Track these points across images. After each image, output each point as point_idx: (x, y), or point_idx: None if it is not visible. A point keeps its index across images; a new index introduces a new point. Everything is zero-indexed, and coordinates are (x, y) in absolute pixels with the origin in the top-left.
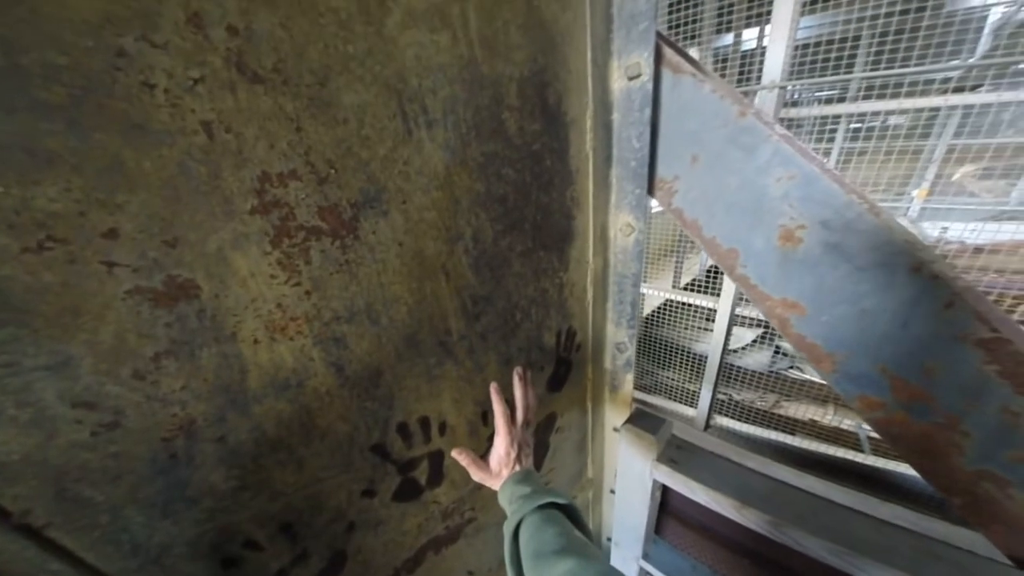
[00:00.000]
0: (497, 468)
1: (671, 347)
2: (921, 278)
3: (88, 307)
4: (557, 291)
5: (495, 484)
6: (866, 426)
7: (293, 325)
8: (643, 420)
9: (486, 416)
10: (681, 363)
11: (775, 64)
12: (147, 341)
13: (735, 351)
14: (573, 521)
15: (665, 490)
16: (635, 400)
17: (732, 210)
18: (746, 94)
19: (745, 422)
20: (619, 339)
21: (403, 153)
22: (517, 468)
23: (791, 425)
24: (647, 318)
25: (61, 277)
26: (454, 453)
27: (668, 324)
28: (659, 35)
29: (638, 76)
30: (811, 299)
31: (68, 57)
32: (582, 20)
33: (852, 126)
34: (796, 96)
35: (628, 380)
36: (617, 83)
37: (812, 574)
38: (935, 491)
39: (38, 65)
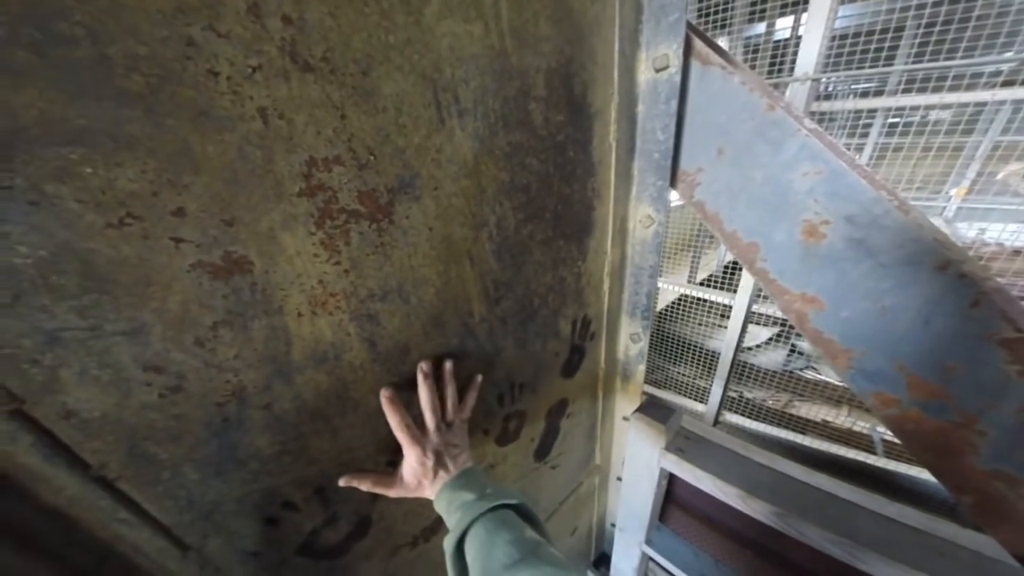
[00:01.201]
0: (415, 481)
1: (683, 343)
2: (947, 276)
3: (158, 278)
4: (575, 280)
5: (425, 494)
6: (881, 428)
7: (332, 301)
8: (653, 409)
9: (502, 398)
10: (693, 359)
11: (810, 55)
12: (207, 311)
13: (749, 349)
14: (526, 519)
15: (671, 480)
16: (647, 394)
17: (755, 204)
18: (776, 86)
19: (755, 420)
20: (633, 330)
21: (436, 141)
22: (443, 474)
23: (802, 425)
24: (660, 313)
25: (137, 251)
26: (342, 482)
27: (682, 320)
28: (689, 26)
29: (666, 68)
30: (831, 294)
31: (147, 47)
32: (611, 11)
33: (890, 120)
34: (831, 89)
35: (640, 371)
36: (644, 75)
37: (814, 566)
38: (946, 492)
39: (121, 55)
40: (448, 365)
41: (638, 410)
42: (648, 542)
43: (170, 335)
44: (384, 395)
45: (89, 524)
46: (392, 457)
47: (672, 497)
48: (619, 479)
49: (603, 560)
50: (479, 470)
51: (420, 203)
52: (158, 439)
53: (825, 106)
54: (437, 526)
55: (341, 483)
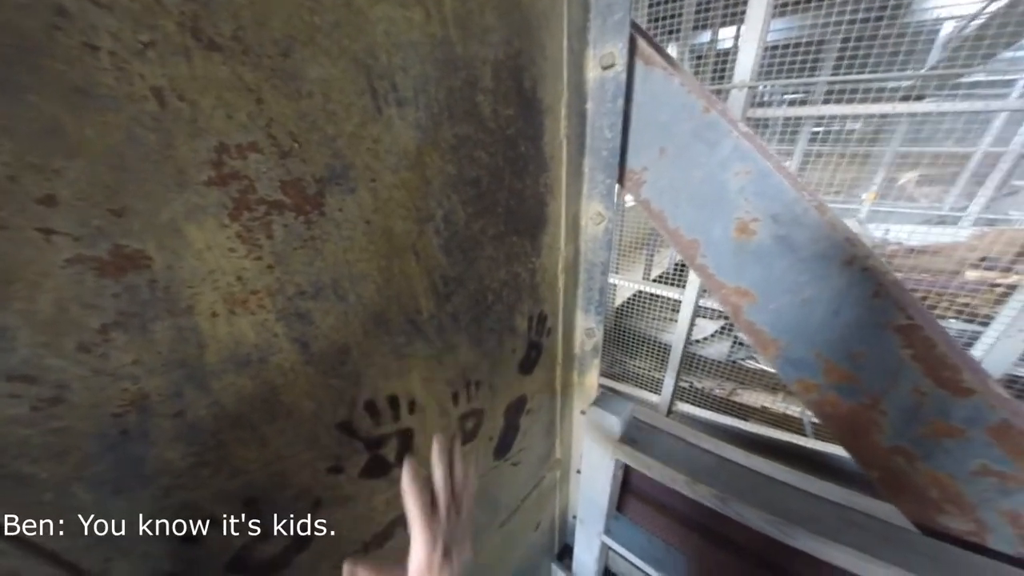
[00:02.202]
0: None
1: (640, 337)
2: (853, 270)
3: (23, 275)
4: (529, 276)
5: None
6: (809, 412)
7: (254, 299)
8: (607, 402)
9: (457, 396)
10: (649, 352)
11: (746, 64)
12: (92, 312)
13: (698, 341)
14: None
15: (627, 470)
16: (603, 387)
17: (695, 202)
18: (719, 92)
19: (705, 408)
20: (588, 325)
21: (372, 131)
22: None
23: (745, 411)
24: (618, 308)
25: None
26: (346, 568)
27: (638, 315)
28: (634, 26)
29: (612, 66)
30: (761, 288)
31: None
32: (559, 6)
33: (814, 129)
34: (766, 97)
35: (595, 365)
36: (592, 72)
37: (753, 545)
38: (860, 467)
39: None
40: (439, 439)
41: (593, 403)
42: (607, 532)
43: (42, 340)
44: (409, 468)
45: None
46: (334, 463)
47: (628, 486)
48: (579, 472)
49: (566, 552)
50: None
51: (355, 195)
52: (34, 457)
53: (759, 112)
54: (391, 530)
55: (345, 569)
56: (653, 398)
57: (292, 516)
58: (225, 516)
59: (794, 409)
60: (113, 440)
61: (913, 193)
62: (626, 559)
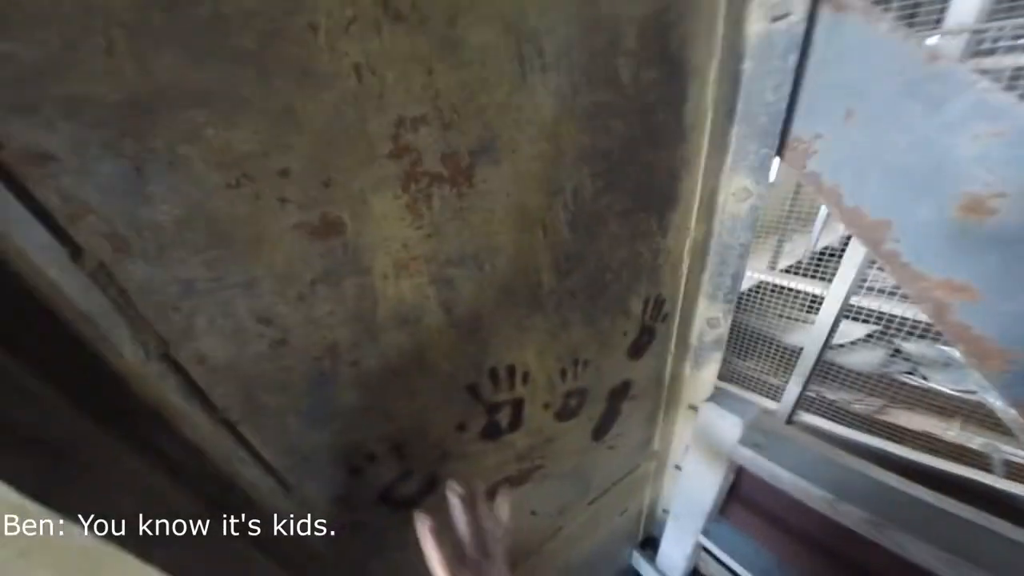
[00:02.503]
0: None
1: (756, 335)
2: None
3: (268, 236)
4: (652, 256)
5: None
6: (1006, 447)
7: (414, 264)
8: (726, 401)
9: (565, 373)
10: (765, 353)
11: (966, 2)
12: (307, 268)
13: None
14: None
15: (739, 477)
16: (720, 389)
17: (893, 174)
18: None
19: (838, 423)
20: (712, 314)
21: (518, 99)
22: None
23: (898, 433)
24: None
25: (250, 209)
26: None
27: (756, 310)
28: None
29: (785, 16)
30: (990, 283)
31: (258, 1)
32: None
33: None
34: (993, 42)
35: (715, 359)
36: (755, 25)
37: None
38: None
39: (235, 11)
40: (454, 488)
41: (710, 399)
42: (705, 533)
43: (277, 289)
44: (423, 524)
45: (216, 460)
46: (461, 421)
47: (736, 493)
48: (677, 467)
49: (649, 543)
50: None
51: (499, 167)
52: (268, 388)
53: (988, 63)
54: (496, 489)
55: None
56: (768, 404)
57: (426, 463)
58: (381, 456)
59: (978, 441)
60: (315, 380)
61: None
62: (724, 564)
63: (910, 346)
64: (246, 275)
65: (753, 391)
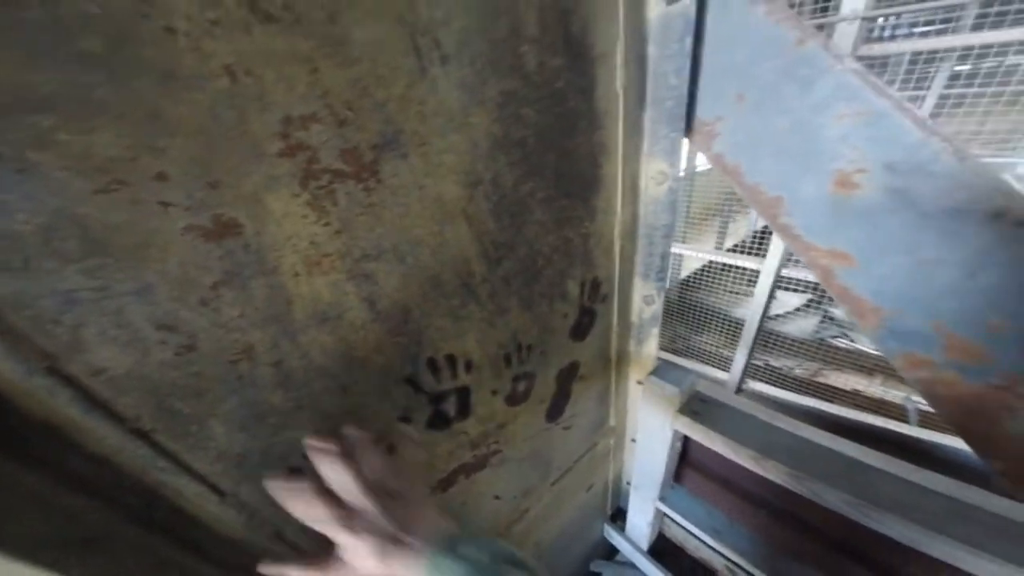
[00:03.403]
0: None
1: (708, 312)
2: (1002, 225)
3: (155, 241)
4: (582, 240)
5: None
6: (916, 398)
7: (327, 261)
8: (666, 373)
9: (509, 358)
10: (717, 328)
11: None
12: (205, 272)
13: (777, 316)
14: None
15: (686, 442)
16: (665, 361)
17: (780, 154)
18: (821, 27)
19: (782, 388)
20: (647, 292)
21: (418, 92)
22: (417, 545)
23: (831, 393)
24: (684, 281)
25: (128, 215)
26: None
27: (707, 288)
28: None
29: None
30: (862, 249)
31: (96, 5)
32: None
33: (957, 68)
34: (888, 31)
35: (654, 334)
36: (655, 8)
37: (829, 527)
38: (981, 462)
39: (74, 15)
40: (352, 431)
41: (651, 373)
42: (662, 499)
43: (176, 295)
44: (272, 484)
45: (132, 471)
46: (403, 413)
47: (687, 459)
48: (633, 440)
49: (619, 514)
50: (463, 538)
51: (407, 160)
52: (181, 395)
53: (877, 48)
54: (453, 478)
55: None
56: (720, 375)
57: None
58: None
59: (895, 394)
60: (233, 384)
61: None
62: (683, 527)
63: (837, 311)
64: (137, 282)
65: (708, 364)
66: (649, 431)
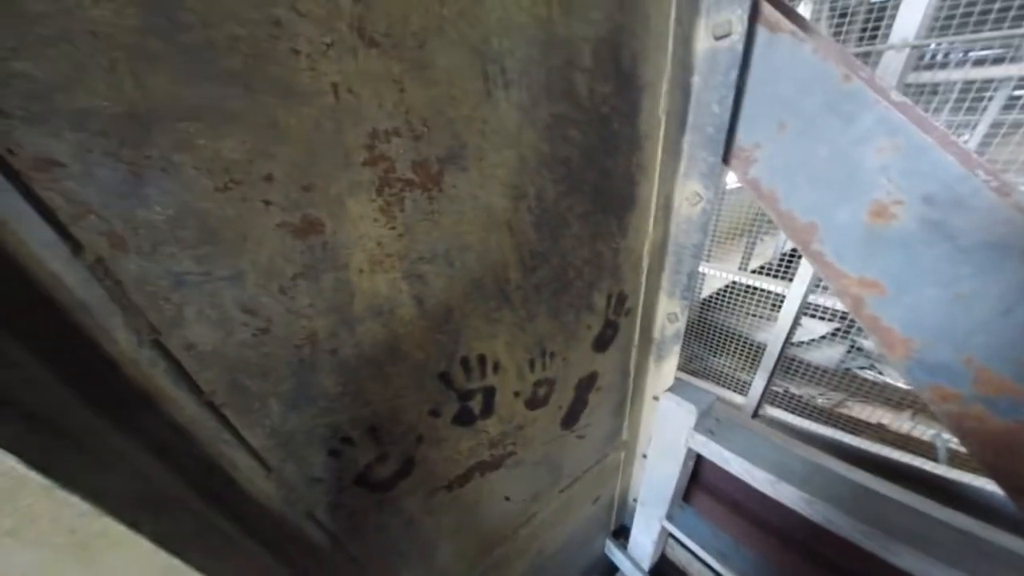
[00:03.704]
0: None
1: (727, 333)
2: None
3: (252, 234)
4: (612, 255)
5: None
6: (946, 435)
7: (388, 260)
8: (685, 390)
9: (533, 363)
10: (736, 350)
11: (911, 16)
12: (288, 264)
13: (802, 343)
14: None
15: (699, 463)
16: (682, 380)
17: (817, 182)
18: (868, 55)
19: (801, 417)
20: (671, 309)
21: (483, 112)
22: None
23: (854, 425)
24: (704, 301)
25: (237, 211)
26: None
27: (728, 309)
28: None
29: (727, 35)
30: (895, 279)
31: (243, 29)
32: None
33: (1016, 92)
34: (940, 56)
35: (675, 351)
36: (702, 43)
37: (842, 557)
38: (1007, 497)
39: (223, 37)
40: None
41: (669, 389)
42: (669, 518)
43: (261, 283)
44: None
45: (201, 440)
46: (434, 407)
47: (699, 480)
48: (645, 456)
49: (622, 532)
50: None
51: (467, 173)
52: (251, 374)
53: (926, 77)
54: (470, 474)
55: None
56: (737, 398)
57: (402, 447)
58: (357, 438)
59: (923, 431)
60: (295, 366)
61: None
62: (687, 548)
63: (867, 342)
64: (232, 269)
65: (725, 387)
66: (662, 446)
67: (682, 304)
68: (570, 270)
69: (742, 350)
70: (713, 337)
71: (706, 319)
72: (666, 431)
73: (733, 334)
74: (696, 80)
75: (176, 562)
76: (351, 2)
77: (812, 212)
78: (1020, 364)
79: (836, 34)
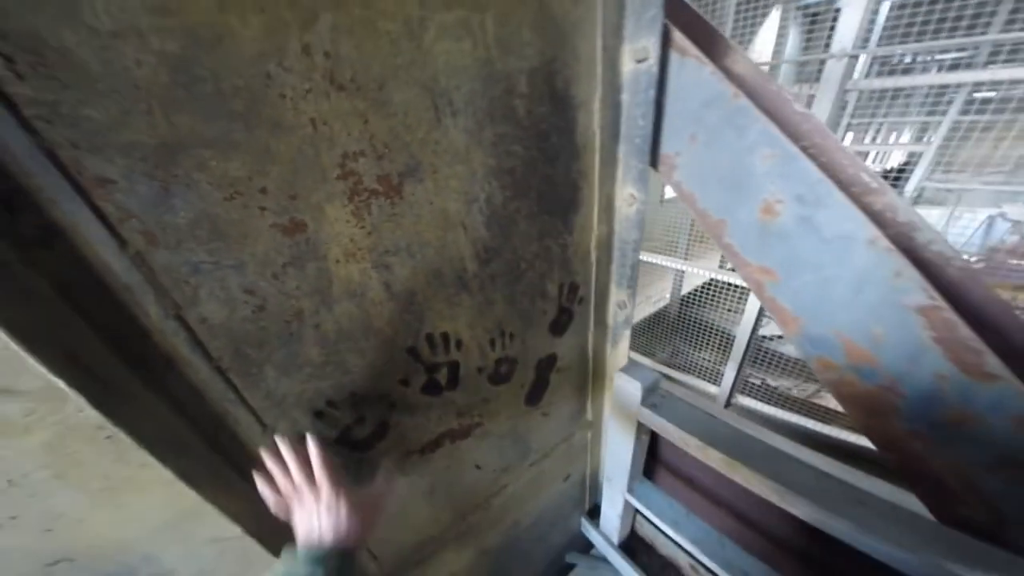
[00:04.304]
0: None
1: (708, 328)
2: (876, 250)
3: (252, 233)
4: (561, 250)
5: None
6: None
7: (359, 253)
8: (632, 370)
9: (493, 342)
10: (718, 344)
11: (848, 30)
12: (279, 255)
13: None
14: None
15: (656, 440)
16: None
17: (723, 184)
18: (823, 62)
19: (775, 407)
20: (620, 298)
21: (435, 136)
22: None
23: (827, 415)
24: (685, 298)
25: (240, 215)
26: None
27: (708, 305)
28: (673, 18)
29: (645, 59)
30: (783, 266)
31: (243, 80)
32: (593, 13)
33: (978, 95)
34: (908, 60)
35: (626, 335)
36: (627, 66)
37: (760, 515)
38: (876, 448)
39: (230, 87)
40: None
41: (621, 370)
42: (630, 490)
43: (258, 270)
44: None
45: (211, 400)
46: (404, 377)
47: (656, 455)
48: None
49: (597, 510)
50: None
51: (423, 184)
52: (250, 343)
53: (863, 84)
54: (441, 440)
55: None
56: (712, 389)
57: (377, 411)
58: (339, 402)
59: None
60: (285, 338)
61: None
62: (652, 522)
63: None
64: (236, 260)
65: (704, 379)
66: (617, 424)
67: (628, 292)
68: (522, 262)
69: (723, 344)
70: (694, 333)
71: (686, 315)
72: (618, 408)
73: (712, 329)
74: (625, 97)
75: (186, 506)
76: (323, 58)
77: (722, 211)
78: (873, 336)
79: (809, 37)
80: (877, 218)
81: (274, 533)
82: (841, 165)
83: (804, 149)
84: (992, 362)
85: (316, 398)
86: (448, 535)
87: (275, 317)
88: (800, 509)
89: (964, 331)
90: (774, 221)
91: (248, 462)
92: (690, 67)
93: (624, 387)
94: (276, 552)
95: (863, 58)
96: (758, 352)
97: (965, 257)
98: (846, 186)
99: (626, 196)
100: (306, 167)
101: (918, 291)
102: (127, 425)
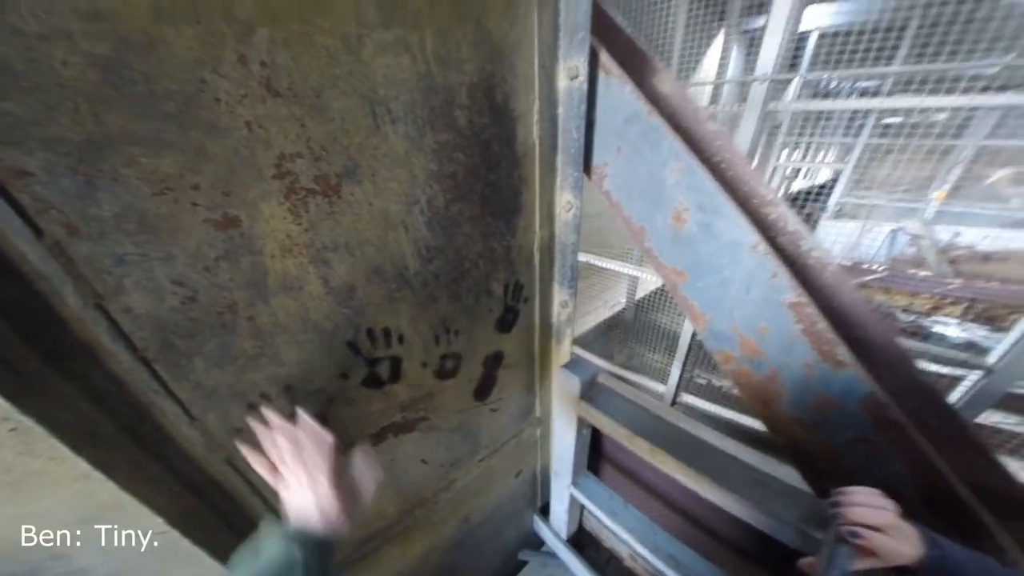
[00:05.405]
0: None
1: (660, 331)
2: (758, 254)
3: (183, 227)
4: (505, 251)
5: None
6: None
7: (296, 248)
8: (573, 365)
9: (438, 338)
10: (667, 347)
11: (769, 56)
12: (211, 248)
13: None
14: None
15: (599, 435)
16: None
17: (643, 194)
18: (747, 84)
19: (721, 406)
20: (562, 298)
21: (373, 141)
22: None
23: None
24: (639, 302)
25: (171, 210)
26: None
27: (661, 309)
28: (601, 41)
29: (576, 77)
30: (691, 268)
31: (176, 84)
32: (530, 34)
33: (889, 121)
34: (833, 85)
35: (568, 334)
36: (563, 82)
37: (685, 501)
38: (769, 432)
39: (162, 89)
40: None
41: (563, 366)
42: (574, 484)
43: (189, 263)
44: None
45: (134, 390)
46: (343, 371)
47: (600, 451)
48: None
49: (547, 508)
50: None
51: (362, 185)
52: (179, 334)
53: (781, 106)
54: (384, 434)
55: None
56: (661, 388)
57: (315, 405)
58: (273, 396)
59: None
60: (217, 330)
61: (1006, 192)
62: (595, 516)
63: None
64: (165, 252)
65: (655, 379)
66: (560, 418)
67: (570, 292)
68: (466, 262)
69: (669, 346)
70: (648, 336)
71: (641, 319)
72: (560, 403)
73: (662, 331)
74: (561, 111)
75: (103, 500)
76: (260, 67)
77: (643, 218)
78: (759, 331)
79: (750, 60)
80: (772, 227)
81: (201, 527)
82: (745, 178)
83: (716, 163)
84: (842, 351)
85: (250, 390)
86: (393, 530)
87: (206, 309)
88: (711, 493)
89: (822, 324)
90: (683, 228)
91: (175, 455)
92: (614, 86)
93: (564, 383)
94: (204, 546)
95: (796, 81)
96: (700, 352)
97: (866, 266)
98: (748, 197)
99: (564, 202)
100: (241, 166)
101: (789, 289)
102: (37, 415)
